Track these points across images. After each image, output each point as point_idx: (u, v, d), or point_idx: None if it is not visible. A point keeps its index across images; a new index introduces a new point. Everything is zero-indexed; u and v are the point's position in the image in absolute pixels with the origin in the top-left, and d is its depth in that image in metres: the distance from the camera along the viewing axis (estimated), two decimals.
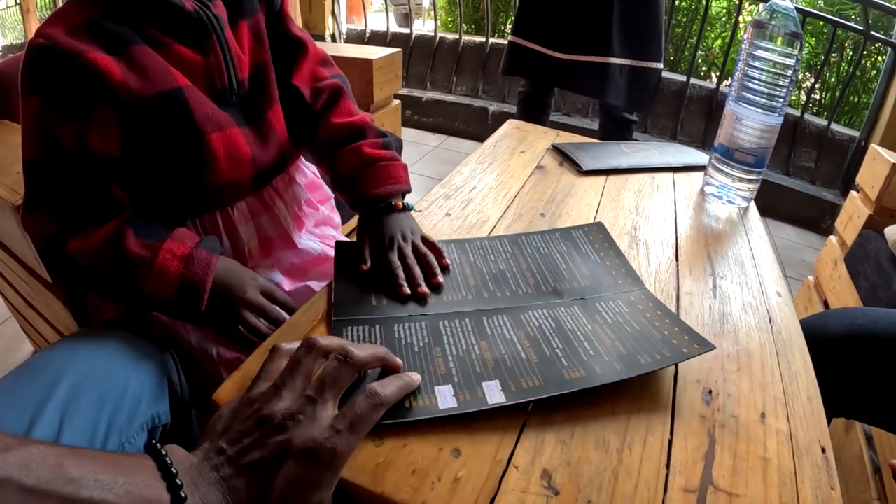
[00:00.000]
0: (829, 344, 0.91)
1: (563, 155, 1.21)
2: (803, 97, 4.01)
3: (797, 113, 3.03)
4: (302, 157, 0.99)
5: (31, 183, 0.71)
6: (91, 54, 0.66)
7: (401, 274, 0.72)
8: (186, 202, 0.79)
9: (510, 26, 4.82)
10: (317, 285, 0.87)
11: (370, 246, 0.77)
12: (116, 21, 0.70)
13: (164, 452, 0.41)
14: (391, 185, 0.81)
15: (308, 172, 1.00)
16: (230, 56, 0.78)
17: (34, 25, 4.20)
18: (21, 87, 0.68)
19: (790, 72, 0.96)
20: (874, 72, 3.79)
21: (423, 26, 5.39)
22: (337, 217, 1.04)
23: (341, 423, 0.45)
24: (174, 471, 0.40)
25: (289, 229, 0.90)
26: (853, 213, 1.69)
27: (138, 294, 0.67)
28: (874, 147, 1.66)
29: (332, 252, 0.93)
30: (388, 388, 0.50)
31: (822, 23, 3.59)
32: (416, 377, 0.55)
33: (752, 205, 1.08)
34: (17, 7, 4.76)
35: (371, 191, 0.80)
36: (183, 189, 0.77)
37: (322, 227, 0.99)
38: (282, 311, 0.76)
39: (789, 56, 0.95)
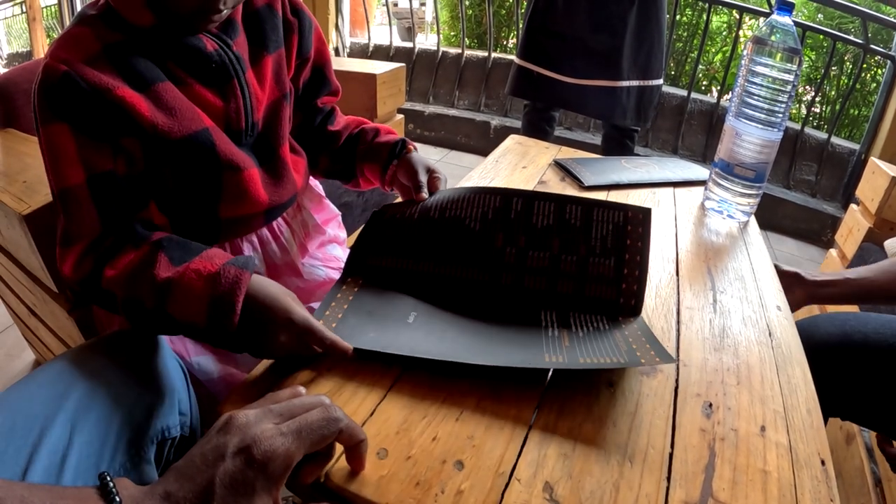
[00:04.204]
0: (820, 346, 0.92)
1: (564, 170, 1.22)
2: (803, 111, 4.03)
3: (797, 126, 3.05)
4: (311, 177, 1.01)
5: (69, 213, 0.66)
6: (120, 91, 0.65)
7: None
8: (196, 232, 0.78)
9: (512, 41, 4.87)
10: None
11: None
12: (138, 52, 0.68)
13: (111, 482, 0.42)
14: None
15: (315, 192, 1.01)
16: (249, 100, 0.78)
17: (40, 34, 4.24)
18: (40, 112, 0.65)
19: (790, 87, 0.98)
20: (874, 85, 3.82)
21: (426, 40, 5.44)
22: (343, 234, 1.05)
23: (286, 427, 0.44)
24: (118, 499, 0.41)
25: (294, 258, 0.92)
26: (853, 226, 1.70)
27: (172, 321, 0.62)
28: (874, 160, 1.67)
29: (336, 275, 0.95)
30: (345, 415, 0.48)
31: (821, 36, 3.62)
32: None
33: (753, 219, 1.09)
34: (24, 16, 4.82)
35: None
36: (195, 219, 0.78)
37: (326, 248, 1.00)
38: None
39: (788, 72, 0.96)
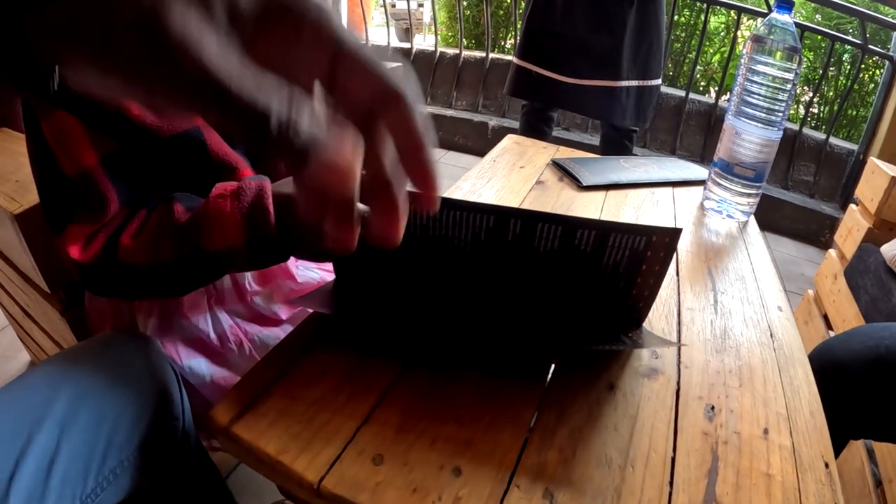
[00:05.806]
0: (854, 365, 0.90)
1: (562, 170, 1.21)
2: (802, 111, 4.03)
3: (796, 127, 3.04)
4: None
5: (84, 196, 0.64)
6: None
7: None
8: None
9: (510, 42, 4.86)
10: None
11: None
12: None
13: None
14: None
15: None
16: None
17: None
18: (38, 105, 0.64)
19: (789, 86, 0.97)
20: (872, 85, 3.82)
21: (424, 41, 5.43)
22: None
23: None
24: None
25: (288, 261, 0.90)
26: (852, 226, 1.70)
27: (210, 260, 0.61)
28: (873, 160, 1.67)
29: (330, 277, 0.94)
30: None
31: (820, 37, 3.63)
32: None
33: (752, 219, 1.08)
34: None
35: None
36: None
37: None
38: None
39: (788, 70, 0.96)
